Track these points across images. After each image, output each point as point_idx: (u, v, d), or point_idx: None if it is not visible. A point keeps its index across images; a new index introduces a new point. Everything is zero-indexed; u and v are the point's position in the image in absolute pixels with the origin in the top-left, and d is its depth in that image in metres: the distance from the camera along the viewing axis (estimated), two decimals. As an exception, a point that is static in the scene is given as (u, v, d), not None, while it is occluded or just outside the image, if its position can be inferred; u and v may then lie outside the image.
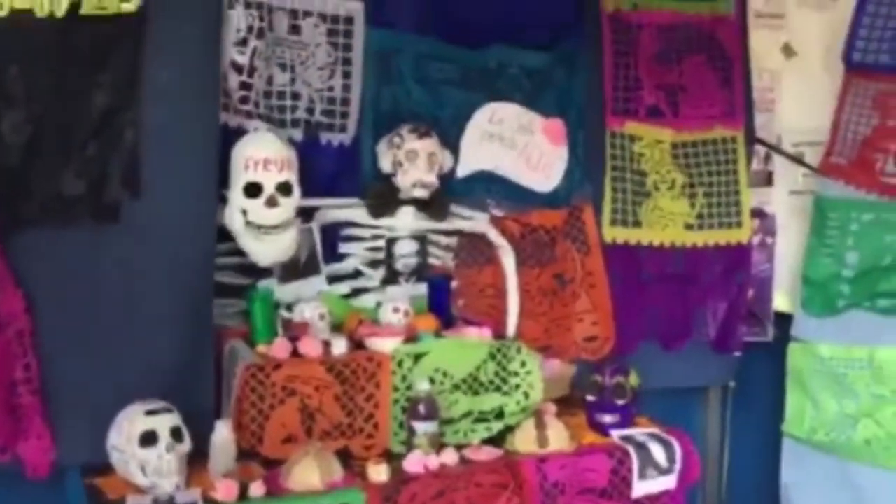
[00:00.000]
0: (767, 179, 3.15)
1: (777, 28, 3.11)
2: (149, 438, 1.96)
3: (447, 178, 2.67)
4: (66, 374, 2.13)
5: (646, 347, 2.97)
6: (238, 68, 2.37)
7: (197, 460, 2.05)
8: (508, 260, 2.74)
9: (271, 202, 2.31)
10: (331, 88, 2.58)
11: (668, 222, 2.96)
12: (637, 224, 2.94)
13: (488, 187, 2.78)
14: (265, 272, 2.47)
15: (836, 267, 2.95)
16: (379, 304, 2.52)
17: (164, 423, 1.99)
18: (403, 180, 2.55)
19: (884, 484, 2.81)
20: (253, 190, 2.31)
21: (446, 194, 2.66)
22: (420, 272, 2.66)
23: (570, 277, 2.88)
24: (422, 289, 2.64)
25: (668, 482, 2.33)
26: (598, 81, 2.89)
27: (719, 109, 2.99)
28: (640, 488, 2.29)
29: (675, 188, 2.96)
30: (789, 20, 3.11)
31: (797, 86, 3.11)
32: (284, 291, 2.47)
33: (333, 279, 2.58)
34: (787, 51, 3.12)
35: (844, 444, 2.86)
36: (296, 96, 2.54)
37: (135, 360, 2.15)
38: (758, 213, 3.09)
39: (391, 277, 2.63)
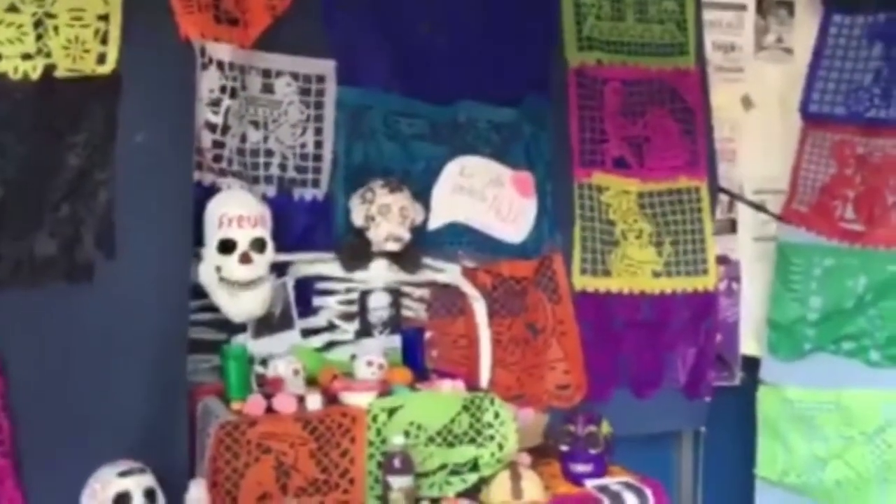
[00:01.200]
0: (731, 227, 3.24)
1: (736, 81, 3.22)
2: (122, 500, 1.95)
3: (419, 231, 2.71)
4: (39, 435, 2.11)
5: (618, 394, 3.00)
6: (211, 127, 2.41)
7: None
8: (480, 310, 2.77)
9: (245, 259, 2.33)
10: (303, 145, 2.63)
11: (636, 270, 3.02)
12: (606, 273, 3.00)
13: (460, 239, 2.83)
14: (239, 327, 2.48)
15: (800, 311, 3.02)
16: (353, 357, 2.53)
17: (138, 484, 1.98)
18: (376, 234, 2.58)
19: (856, 526, 2.85)
20: (227, 247, 2.33)
21: (418, 246, 2.70)
22: (394, 324, 2.69)
23: (542, 326, 2.92)
24: (395, 341, 2.66)
25: (642, 529, 2.35)
26: (565, 134, 2.97)
27: (683, 160, 3.07)
28: (614, 539, 2.31)
29: (642, 237, 3.02)
30: (748, 73, 3.23)
31: (757, 136, 3.21)
32: (258, 346, 2.48)
33: (307, 332, 2.60)
34: (747, 102, 3.23)
35: (816, 486, 2.91)
36: (269, 153, 2.58)
37: (108, 421, 2.15)
38: (723, 260, 3.17)
39: (365, 330, 2.65)
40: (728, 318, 3.20)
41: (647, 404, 3.05)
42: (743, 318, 3.23)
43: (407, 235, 2.61)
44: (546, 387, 2.92)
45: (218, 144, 2.44)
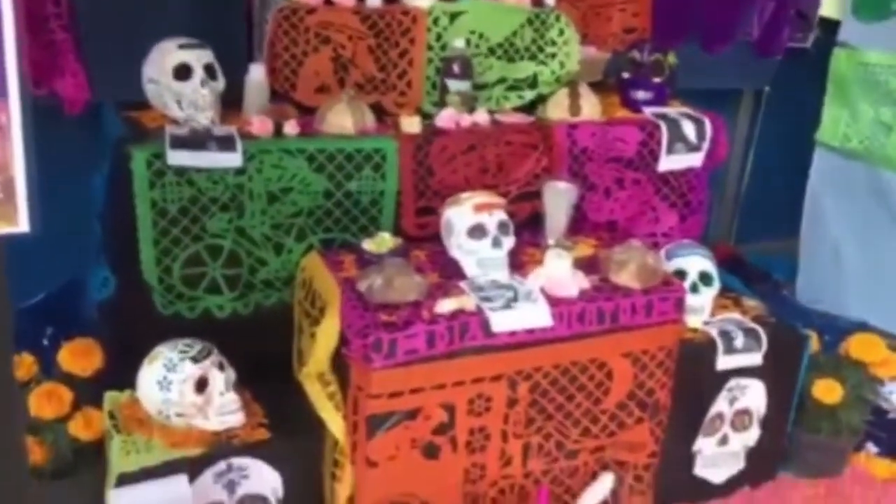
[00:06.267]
0: None
1: None
2: (183, 71, 1.96)
3: None
4: (98, 11, 2.08)
5: (685, 46, 2.87)
6: None
7: (230, 106, 2.06)
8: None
9: None
10: None
11: None
12: None
13: None
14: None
15: (895, -35, 2.78)
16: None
17: (198, 57, 1.97)
18: None
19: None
20: None
21: None
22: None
23: (615, -41, 2.74)
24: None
25: (695, 159, 2.34)
26: None
27: None
28: (666, 162, 2.31)
29: None
30: None
31: None
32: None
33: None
34: None
35: (877, 151, 2.84)
36: None
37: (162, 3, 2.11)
38: None
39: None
40: (813, -30, 2.97)
41: (714, 59, 2.94)
42: (828, -27, 2.99)
43: None
44: (612, 29, 2.79)
45: None
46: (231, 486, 1.79)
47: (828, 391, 2.22)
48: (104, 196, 1.98)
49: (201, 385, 1.79)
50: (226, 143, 1.89)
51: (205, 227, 1.92)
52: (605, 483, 1.97)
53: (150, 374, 1.80)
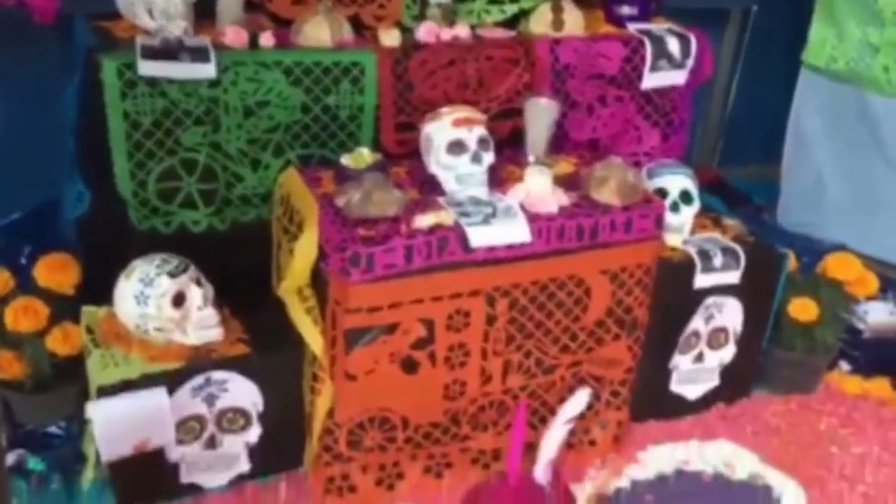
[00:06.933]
0: None
1: None
2: (153, -23, 1.89)
3: None
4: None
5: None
6: None
7: (204, 17, 2.00)
8: None
9: None
10: None
11: None
12: None
13: None
14: None
15: None
16: None
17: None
18: None
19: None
20: None
21: None
22: None
23: None
24: None
25: (679, 77, 2.31)
26: None
27: None
28: (649, 80, 2.27)
29: None
30: None
31: None
32: None
33: None
34: None
35: (863, 72, 2.81)
36: None
37: None
38: None
39: None
40: None
41: (701, -24, 2.88)
42: None
43: None
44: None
45: None
46: (210, 400, 1.80)
47: (803, 309, 2.24)
48: (76, 108, 1.93)
49: (178, 300, 1.78)
50: (199, 54, 1.84)
51: (179, 141, 1.88)
52: (581, 398, 2.00)
53: (126, 288, 1.79)
